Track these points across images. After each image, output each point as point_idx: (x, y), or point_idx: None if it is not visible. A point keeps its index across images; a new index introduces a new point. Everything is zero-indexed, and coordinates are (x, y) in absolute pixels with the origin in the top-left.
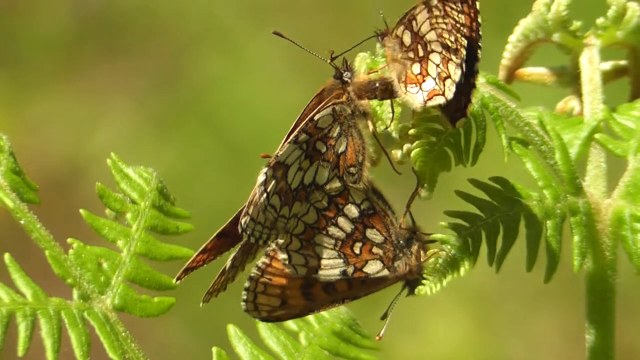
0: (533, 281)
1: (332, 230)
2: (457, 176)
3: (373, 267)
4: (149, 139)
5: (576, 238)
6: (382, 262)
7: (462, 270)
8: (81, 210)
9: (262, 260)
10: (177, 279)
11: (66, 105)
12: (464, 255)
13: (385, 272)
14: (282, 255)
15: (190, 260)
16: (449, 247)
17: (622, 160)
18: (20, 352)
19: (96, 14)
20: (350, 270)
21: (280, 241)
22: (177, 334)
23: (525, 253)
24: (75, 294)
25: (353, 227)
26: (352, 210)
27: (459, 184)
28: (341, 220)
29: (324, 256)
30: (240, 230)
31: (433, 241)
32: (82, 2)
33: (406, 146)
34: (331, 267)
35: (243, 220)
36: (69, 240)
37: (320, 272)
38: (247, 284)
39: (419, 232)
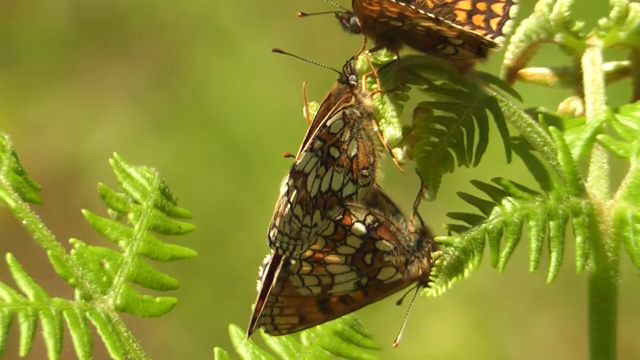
0: (533, 282)
1: (342, 249)
2: (459, 177)
3: (386, 274)
4: (148, 139)
5: (579, 239)
6: (395, 267)
7: (466, 271)
8: (83, 210)
9: (274, 286)
10: (249, 334)
11: (65, 105)
12: (467, 256)
13: (399, 275)
14: (295, 283)
15: (254, 311)
16: (452, 249)
17: (625, 162)
18: (22, 352)
19: (95, 13)
20: (364, 280)
21: (290, 268)
22: (178, 334)
23: (525, 254)
24: (77, 294)
25: (362, 242)
26: (359, 229)
27: (461, 184)
28: (350, 240)
29: (337, 272)
30: (269, 244)
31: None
32: (80, 2)
33: (406, 147)
34: (345, 281)
35: (271, 234)
36: (71, 240)
37: (335, 288)
38: (263, 311)
39: (429, 233)
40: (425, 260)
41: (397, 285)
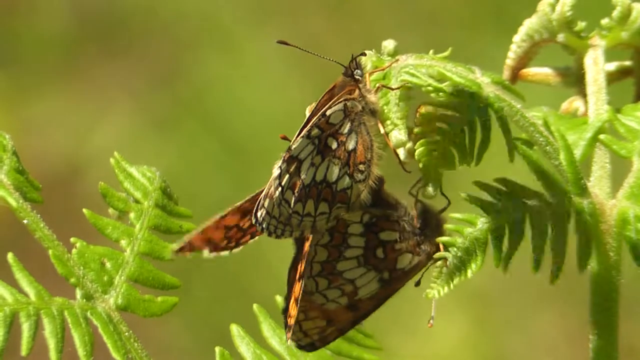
0: (533, 281)
1: (349, 252)
2: (461, 177)
3: (404, 261)
4: (149, 139)
5: (581, 238)
6: (410, 252)
7: (469, 272)
8: (84, 210)
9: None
10: (176, 251)
11: (66, 105)
12: (470, 257)
13: (417, 258)
14: (319, 301)
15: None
16: (455, 249)
17: (627, 161)
18: (23, 351)
19: (96, 13)
20: (386, 275)
21: (309, 288)
22: (179, 334)
23: (526, 253)
24: (78, 293)
25: (365, 239)
26: (356, 228)
27: (463, 184)
28: (352, 240)
29: (355, 277)
30: (254, 222)
31: (443, 210)
32: (81, 2)
33: (408, 145)
34: (367, 282)
35: (259, 213)
36: (72, 239)
37: (361, 292)
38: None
39: (432, 210)
40: (435, 236)
41: (418, 268)
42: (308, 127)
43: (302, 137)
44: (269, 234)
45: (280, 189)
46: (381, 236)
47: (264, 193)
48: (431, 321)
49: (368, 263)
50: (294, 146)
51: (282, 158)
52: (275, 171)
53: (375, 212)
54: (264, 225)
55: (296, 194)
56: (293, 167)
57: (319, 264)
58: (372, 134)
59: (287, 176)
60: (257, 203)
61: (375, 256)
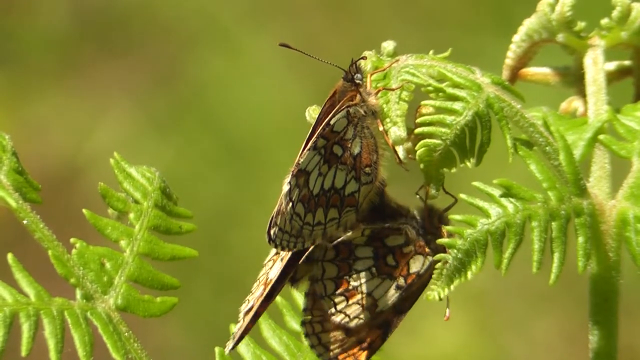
0: (533, 282)
1: (359, 265)
2: (461, 178)
3: (417, 264)
4: (148, 139)
5: (580, 239)
6: (421, 254)
7: (469, 274)
8: (84, 210)
9: (304, 302)
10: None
11: (65, 105)
12: (470, 258)
13: (429, 259)
14: (343, 320)
15: (242, 331)
16: (455, 251)
17: (626, 162)
18: (23, 352)
19: (95, 13)
20: (401, 281)
21: (326, 310)
22: (179, 334)
23: (526, 254)
24: (78, 294)
25: (372, 248)
26: (360, 239)
27: (463, 185)
28: (359, 252)
29: (371, 289)
30: (268, 240)
31: (449, 207)
32: (81, 2)
33: (407, 146)
34: (385, 292)
35: (272, 231)
36: (72, 240)
37: (381, 303)
38: (303, 330)
39: (434, 209)
40: (441, 233)
41: (432, 268)
42: (313, 138)
43: (309, 149)
44: (282, 249)
45: (291, 204)
46: (387, 242)
47: (275, 210)
48: (447, 314)
49: (381, 273)
50: (301, 160)
51: (291, 173)
52: (285, 187)
53: (375, 227)
54: (277, 242)
55: (306, 206)
56: (302, 180)
57: (332, 281)
58: (376, 135)
59: (296, 190)
60: (269, 221)
61: (387, 264)
